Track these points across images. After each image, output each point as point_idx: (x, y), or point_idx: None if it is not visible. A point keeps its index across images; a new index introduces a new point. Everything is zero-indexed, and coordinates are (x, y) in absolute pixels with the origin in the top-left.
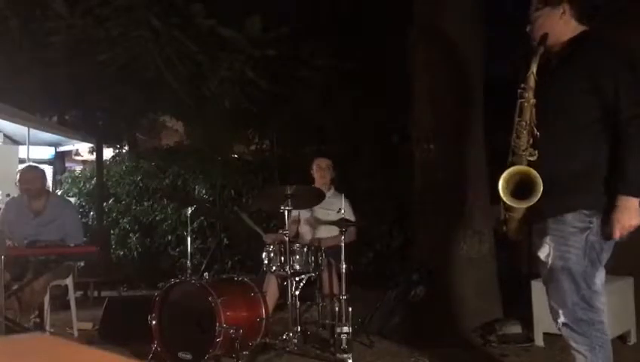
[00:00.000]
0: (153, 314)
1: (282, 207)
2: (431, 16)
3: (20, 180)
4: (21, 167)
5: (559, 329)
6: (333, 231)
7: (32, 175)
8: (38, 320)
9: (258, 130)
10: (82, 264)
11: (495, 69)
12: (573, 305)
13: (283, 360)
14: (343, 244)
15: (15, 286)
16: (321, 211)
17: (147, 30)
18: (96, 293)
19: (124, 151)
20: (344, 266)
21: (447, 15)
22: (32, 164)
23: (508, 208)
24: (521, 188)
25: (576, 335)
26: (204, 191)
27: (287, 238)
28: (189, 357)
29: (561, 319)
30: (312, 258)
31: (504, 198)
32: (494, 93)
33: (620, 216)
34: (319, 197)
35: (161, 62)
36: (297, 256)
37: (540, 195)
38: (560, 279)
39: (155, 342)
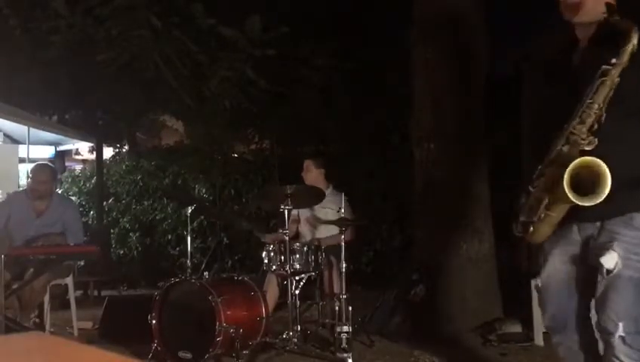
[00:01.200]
0: (153, 314)
1: (282, 207)
2: (431, 15)
3: (33, 179)
4: (35, 163)
5: (611, 342)
6: (333, 230)
7: (44, 176)
8: (38, 319)
9: (258, 129)
10: (82, 263)
11: (496, 69)
12: (638, 317)
13: (283, 359)
14: (343, 244)
15: (15, 286)
16: (321, 210)
17: (147, 30)
18: (96, 292)
19: (124, 150)
20: (344, 265)
21: (447, 14)
22: (47, 164)
23: (550, 207)
24: (578, 183)
25: (630, 350)
26: (204, 191)
27: (287, 238)
28: (189, 356)
29: (620, 332)
30: (312, 257)
31: (569, 195)
32: (495, 92)
33: None
34: (319, 196)
35: (161, 62)
36: (297, 256)
37: (607, 192)
38: (625, 289)
39: (155, 341)
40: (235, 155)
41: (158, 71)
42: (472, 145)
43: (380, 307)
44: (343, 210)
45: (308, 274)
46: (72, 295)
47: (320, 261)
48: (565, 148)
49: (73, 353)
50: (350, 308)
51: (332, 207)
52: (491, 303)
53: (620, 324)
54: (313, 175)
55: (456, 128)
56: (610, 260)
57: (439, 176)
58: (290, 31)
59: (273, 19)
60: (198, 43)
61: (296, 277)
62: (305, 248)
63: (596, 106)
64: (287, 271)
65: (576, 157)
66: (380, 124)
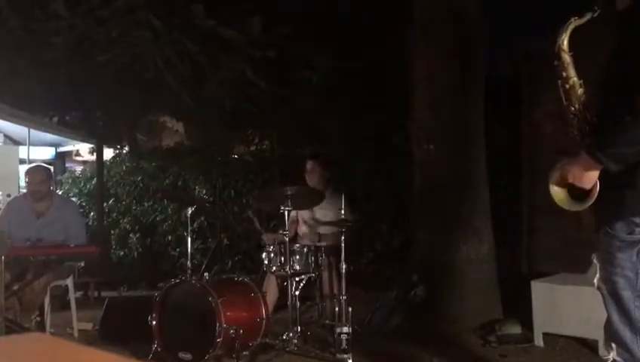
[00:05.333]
0: (153, 315)
1: (282, 208)
2: (431, 15)
3: (29, 181)
4: (28, 166)
5: None
6: (332, 231)
7: (41, 176)
8: (38, 319)
9: (258, 130)
10: (82, 264)
11: (496, 69)
12: (631, 342)
13: (283, 360)
14: (342, 244)
15: (16, 287)
16: (320, 211)
17: (147, 31)
18: (96, 293)
19: (124, 151)
20: (344, 266)
21: (447, 15)
22: (41, 164)
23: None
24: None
25: None
26: (204, 192)
27: (287, 239)
28: (189, 357)
29: (614, 355)
30: (312, 258)
31: (555, 196)
32: (495, 92)
33: (576, 166)
34: (319, 197)
35: (162, 63)
36: (297, 257)
37: (592, 199)
38: (609, 307)
39: (156, 342)
40: (235, 156)
41: (159, 72)
42: (472, 145)
43: (380, 307)
44: (342, 211)
45: (308, 275)
46: (72, 296)
47: (320, 262)
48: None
49: (73, 354)
50: (350, 309)
51: (331, 208)
52: (491, 304)
53: (614, 346)
54: (318, 175)
55: (456, 129)
56: (595, 274)
57: (439, 176)
58: (291, 32)
59: (273, 20)
60: (198, 44)
61: (296, 278)
62: (304, 249)
63: (572, 109)
64: (287, 272)
65: None
66: (380, 124)
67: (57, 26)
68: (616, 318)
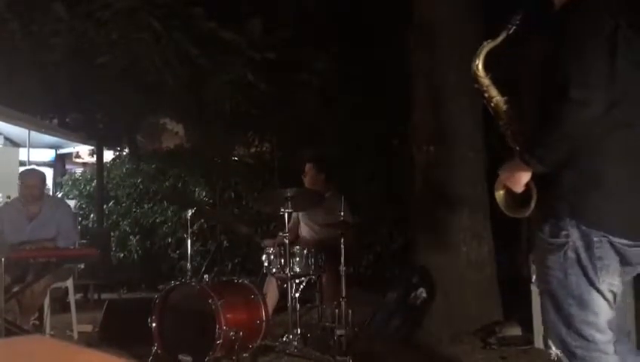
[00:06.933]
0: (153, 317)
1: (282, 210)
2: (430, 18)
3: (22, 183)
4: (22, 169)
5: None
6: (333, 233)
7: (33, 181)
8: (38, 322)
9: (258, 132)
10: (82, 266)
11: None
12: (565, 335)
13: None
14: (342, 247)
15: (15, 289)
16: (320, 213)
17: (147, 33)
18: (96, 296)
19: (124, 153)
20: (344, 268)
21: (446, 16)
22: (34, 168)
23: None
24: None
25: None
26: (204, 194)
27: (287, 241)
28: (189, 359)
29: (554, 350)
30: (312, 260)
31: (500, 204)
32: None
33: (507, 168)
34: (319, 200)
35: (162, 65)
36: (297, 259)
37: (531, 207)
38: (545, 304)
39: (155, 344)
40: (235, 158)
41: (159, 74)
42: (472, 147)
43: (380, 310)
44: (342, 214)
45: (308, 277)
46: (72, 298)
47: (320, 264)
48: None
49: (73, 356)
50: (350, 311)
51: (332, 210)
52: (491, 306)
53: (551, 342)
54: (313, 178)
55: (455, 130)
56: (533, 273)
57: (439, 179)
58: (291, 34)
59: (273, 22)
60: (198, 46)
61: (296, 280)
62: (305, 251)
63: (501, 123)
64: (287, 274)
65: None
66: (380, 126)
67: (57, 27)
68: (552, 314)
